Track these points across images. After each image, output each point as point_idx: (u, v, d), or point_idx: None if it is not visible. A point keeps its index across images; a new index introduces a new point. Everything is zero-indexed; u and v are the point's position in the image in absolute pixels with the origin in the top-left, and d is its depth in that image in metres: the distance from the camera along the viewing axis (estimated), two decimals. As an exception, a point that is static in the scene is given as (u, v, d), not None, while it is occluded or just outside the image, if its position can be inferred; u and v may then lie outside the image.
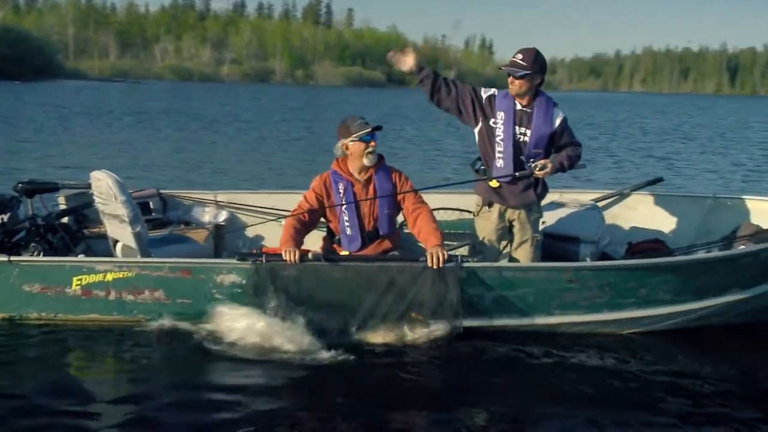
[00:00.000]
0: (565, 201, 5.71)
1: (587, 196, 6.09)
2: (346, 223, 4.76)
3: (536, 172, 4.72)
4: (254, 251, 5.25)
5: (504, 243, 5.05)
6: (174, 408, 3.79)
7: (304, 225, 4.72)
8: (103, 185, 4.84)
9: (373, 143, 4.71)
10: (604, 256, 5.44)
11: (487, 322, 4.69)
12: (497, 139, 4.77)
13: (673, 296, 4.67)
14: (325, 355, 4.33)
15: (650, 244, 5.63)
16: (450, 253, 4.60)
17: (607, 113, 43.32)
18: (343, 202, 4.74)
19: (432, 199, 5.10)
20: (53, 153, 15.07)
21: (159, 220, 6.04)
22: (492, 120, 4.78)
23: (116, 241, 5.13)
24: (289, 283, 4.49)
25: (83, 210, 5.76)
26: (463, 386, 4.18)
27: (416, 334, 4.58)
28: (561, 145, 4.83)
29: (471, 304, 4.59)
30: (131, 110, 30.53)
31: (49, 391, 3.96)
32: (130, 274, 4.63)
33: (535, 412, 3.91)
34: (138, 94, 49.11)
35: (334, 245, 4.88)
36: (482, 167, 4.95)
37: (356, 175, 4.79)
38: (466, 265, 4.50)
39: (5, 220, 5.07)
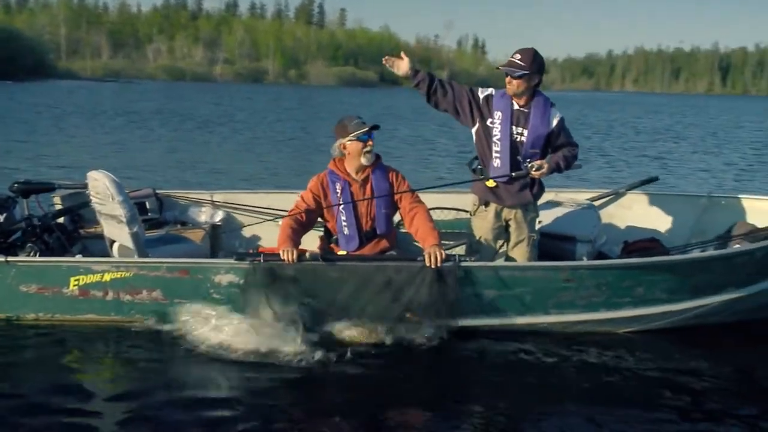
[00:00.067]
0: (561, 200, 5.72)
1: (583, 196, 6.11)
2: (344, 223, 4.76)
3: (532, 173, 4.73)
4: (251, 251, 5.25)
5: (501, 242, 5.06)
6: (172, 408, 3.79)
7: (301, 225, 4.72)
8: (100, 185, 4.82)
9: (370, 142, 4.71)
10: (600, 255, 5.46)
11: (484, 321, 4.70)
12: (494, 138, 4.78)
13: (670, 295, 4.69)
14: (323, 354, 4.33)
15: (646, 243, 5.66)
16: (447, 252, 4.60)
17: (599, 113, 43.42)
18: (341, 202, 4.74)
19: (428, 198, 5.11)
20: (47, 153, 15.01)
21: (155, 220, 6.04)
22: (489, 120, 4.79)
23: (113, 241, 5.12)
24: (286, 283, 4.49)
25: (79, 210, 5.75)
26: (460, 385, 4.19)
27: (414, 333, 4.58)
28: (558, 145, 4.84)
29: (469, 304, 4.60)
30: (124, 110, 30.45)
31: (46, 392, 3.95)
32: (127, 275, 4.62)
33: (532, 411, 3.92)
34: (131, 94, 48.98)
35: (332, 245, 4.89)
36: (479, 167, 4.96)
37: (353, 174, 4.80)
38: (464, 264, 4.51)
39: (1, 220, 5.06)
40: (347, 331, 4.57)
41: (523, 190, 4.87)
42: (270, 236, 5.76)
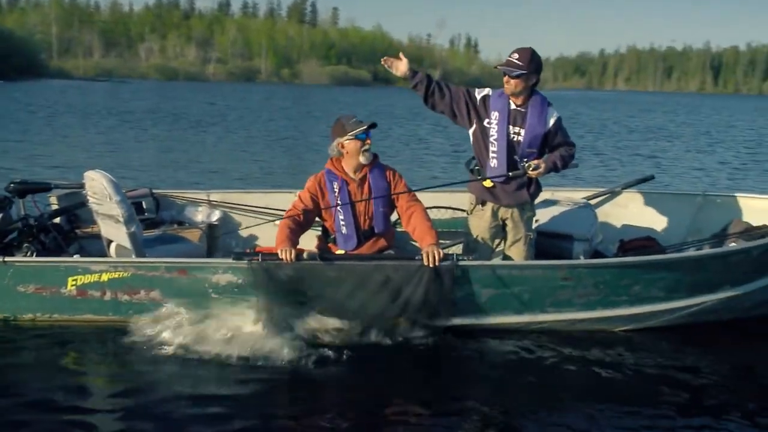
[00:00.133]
0: (557, 199, 5.74)
1: (579, 195, 6.13)
2: (342, 222, 4.76)
3: (529, 172, 4.74)
4: (248, 251, 5.25)
5: (497, 241, 5.07)
6: (170, 409, 3.79)
7: (299, 225, 4.72)
8: (97, 185, 4.81)
9: (368, 141, 4.72)
10: (596, 254, 5.47)
11: (482, 320, 4.72)
12: (491, 138, 4.79)
13: (667, 293, 4.71)
14: (321, 354, 4.35)
15: (642, 241, 5.68)
16: (445, 251, 4.61)
17: (592, 111, 43.49)
18: (339, 202, 4.74)
19: (425, 197, 5.11)
20: (41, 153, 14.95)
21: (152, 219, 6.03)
22: (486, 120, 4.80)
23: (110, 241, 5.11)
24: (285, 282, 4.49)
25: (75, 210, 5.73)
26: (457, 384, 4.21)
27: (412, 332, 4.60)
28: (555, 144, 4.85)
29: (467, 303, 4.61)
30: (117, 110, 30.34)
31: (44, 392, 3.95)
32: (125, 274, 4.61)
33: (530, 409, 3.93)
34: (123, 93, 48.79)
35: (330, 244, 4.89)
36: (476, 167, 4.97)
37: (351, 174, 4.80)
38: (462, 263, 4.52)
39: (-3, 220, 5.05)
40: (345, 330, 4.58)
41: (520, 189, 4.88)
42: (267, 236, 5.76)
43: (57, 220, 5.65)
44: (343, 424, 3.73)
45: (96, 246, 5.43)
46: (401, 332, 4.60)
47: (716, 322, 4.94)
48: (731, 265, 4.73)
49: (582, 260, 5.03)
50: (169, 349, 4.38)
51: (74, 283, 4.63)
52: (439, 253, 4.47)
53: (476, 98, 4.83)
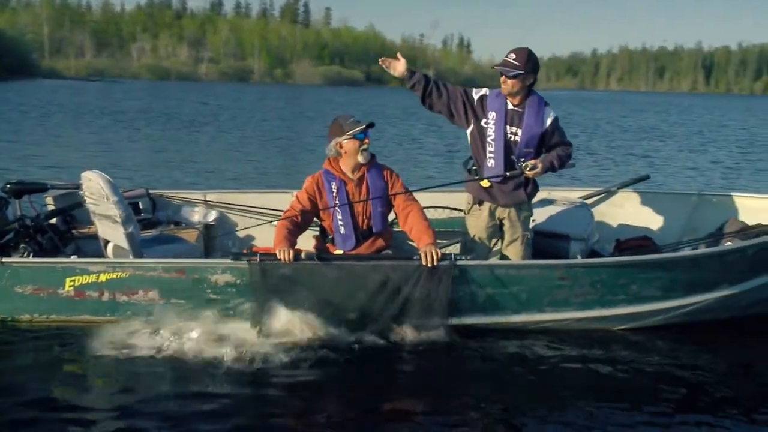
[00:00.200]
0: (554, 199, 5.76)
1: (574, 194, 6.15)
2: (340, 222, 4.77)
3: (526, 172, 4.75)
4: (245, 251, 5.25)
5: (495, 241, 5.09)
6: (169, 409, 3.79)
7: (297, 225, 4.72)
8: (94, 185, 4.80)
9: (366, 140, 4.73)
10: (592, 254, 5.49)
11: (480, 319, 4.72)
12: (488, 138, 4.80)
13: (664, 293, 4.73)
14: (320, 354, 4.35)
15: (638, 241, 5.69)
16: (443, 251, 4.61)
17: (585, 111, 43.60)
18: (337, 202, 4.74)
19: (422, 197, 5.11)
20: (34, 153, 14.90)
21: (148, 220, 6.02)
22: (483, 120, 4.81)
23: (107, 242, 5.09)
24: (283, 282, 4.49)
25: (72, 210, 5.73)
26: (455, 383, 4.21)
27: (409, 332, 4.60)
28: (552, 144, 4.86)
29: (464, 302, 4.62)
30: (110, 109, 30.28)
31: (42, 393, 3.94)
32: (123, 275, 4.60)
33: (527, 408, 3.94)
34: (115, 93, 48.69)
35: (328, 244, 4.89)
36: (474, 167, 4.98)
37: (349, 174, 4.80)
38: (460, 263, 4.53)
39: (-6, 221, 5.03)
40: (344, 330, 4.58)
41: (517, 189, 4.89)
42: (264, 236, 5.76)
43: (53, 220, 5.64)
44: (341, 424, 3.73)
45: (93, 246, 5.42)
46: (399, 332, 4.60)
47: (713, 321, 4.96)
48: (727, 264, 4.75)
49: (579, 260, 5.05)
50: (167, 350, 4.37)
51: (72, 283, 4.62)
52: (437, 253, 4.48)
53: (473, 98, 4.84)
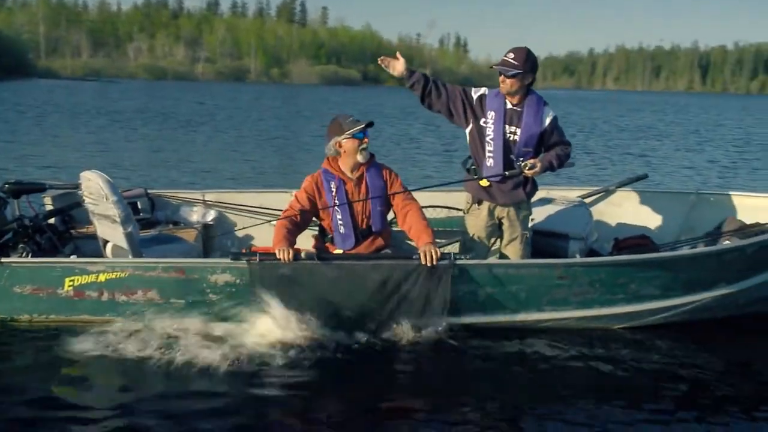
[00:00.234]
0: (553, 198, 5.77)
1: (573, 193, 6.16)
2: (340, 222, 4.77)
3: (525, 171, 4.76)
4: (244, 250, 5.25)
5: (494, 240, 5.10)
6: (168, 409, 3.78)
7: (296, 225, 4.72)
8: (93, 185, 4.80)
9: (366, 139, 4.73)
10: (591, 253, 5.50)
11: (479, 318, 4.73)
12: (487, 138, 4.81)
13: (662, 291, 4.74)
14: (320, 354, 4.36)
15: (637, 240, 5.70)
16: (441, 251, 4.62)
17: (582, 111, 43.63)
18: (336, 201, 4.75)
19: (420, 196, 5.12)
20: (31, 153, 14.88)
21: (147, 220, 6.02)
22: (483, 120, 4.82)
23: (106, 242, 5.09)
24: (283, 282, 4.49)
25: (70, 210, 5.72)
26: (455, 382, 4.22)
27: (409, 331, 4.61)
28: (551, 144, 4.87)
29: (464, 301, 4.63)
30: (106, 109, 30.24)
31: (41, 393, 3.93)
32: (123, 275, 4.60)
33: (528, 407, 3.95)
34: (112, 93, 48.63)
35: (327, 244, 4.89)
36: (473, 166, 4.99)
37: (348, 173, 4.80)
38: (459, 262, 4.53)
39: (-8, 221, 5.03)
40: (343, 329, 4.58)
41: (516, 188, 4.90)
42: (263, 235, 5.76)
43: (52, 220, 5.63)
44: (340, 424, 3.73)
45: (91, 246, 5.42)
46: (398, 331, 4.61)
47: (711, 320, 4.97)
48: (726, 263, 4.76)
49: (578, 259, 5.05)
50: (166, 350, 4.37)
51: (71, 283, 4.61)
52: (436, 252, 4.49)
53: (473, 98, 4.84)
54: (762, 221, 5.38)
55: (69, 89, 51.11)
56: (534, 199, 5.21)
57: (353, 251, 4.77)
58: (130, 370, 4.22)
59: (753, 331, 5.06)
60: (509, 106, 4.78)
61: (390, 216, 5.04)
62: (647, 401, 4.00)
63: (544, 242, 5.31)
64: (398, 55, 4.85)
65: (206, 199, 6.29)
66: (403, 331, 4.59)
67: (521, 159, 4.78)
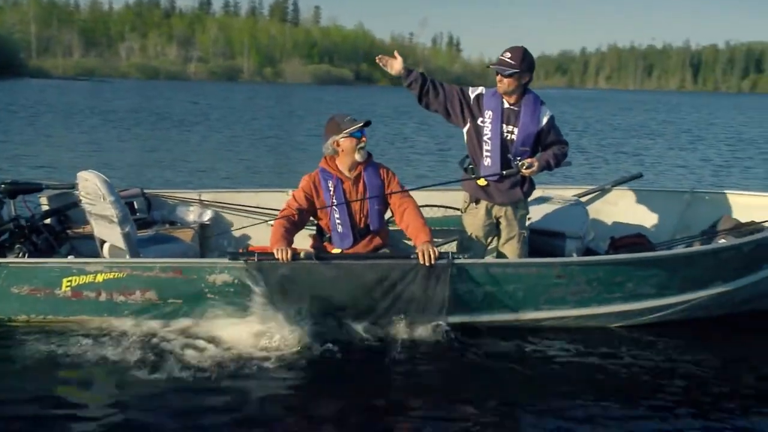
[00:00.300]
0: (550, 196, 5.78)
1: (569, 192, 6.18)
2: (338, 221, 4.77)
3: (523, 171, 4.77)
4: (241, 250, 5.25)
5: (491, 239, 5.11)
6: (168, 409, 3.79)
7: (293, 224, 4.72)
8: (90, 185, 4.79)
9: (364, 138, 4.74)
10: (588, 251, 5.52)
11: (477, 317, 4.75)
12: (485, 137, 4.82)
13: (659, 290, 4.76)
14: (317, 353, 4.36)
15: (633, 238, 5.72)
16: (439, 250, 4.63)
17: (574, 110, 43.69)
18: (334, 200, 4.75)
19: (417, 196, 5.13)
20: (24, 153, 14.82)
21: (144, 220, 6.01)
22: (480, 119, 4.83)
23: (103, 242, 5.08)
24: (281, 281, 4.49)
25: (67, 210, 5.71)
26: (453, 381, 4.22)
27: (407, 330, 4.62)
28: (548, 143, 4.89)
29: (462, 300, 4.64)
30: (99, 109, 30.13)
31: (39, 394, 3.93)
32: (120, 275, 4.59)
33: (526, 405, 3.96)
34: (105, 92, 48.45)
35: (325, 243, 4.89)
36: (470, 166, 5.00)
37: (346, 172, 4.81)
38: (457, 261, 4.54)
39: (-12, 221, 5.02)
40: (342, 329, 4.59)
41: (514, 187, 4.91)
42: (259, 235, 5.77)
43: (48, 220, 5.62)
44: (338, 424, 3.73)
45: (88, 246, 5.41)
46: (397, 331, 4.62)
47: (707, 318, 5.00)
48: (722, 262, 4.79)
49: (575, 258, 5.07)
50: (165, 350, 4.37)
51: (69, 284, 4.60)
52: (434, 251, 4.49)
53: (470, 97, 4.86)
54: (757, 219, 5.41)
55: (61, 89, 50.90)
56: (531, 198, 5.23)
57: (351, 250, 4.77)
58: (127, 370, 4.21)
59: (749, 329, 5.09)
60: (506, 105, 4.80)
61: (387, 215, 5.05)
62: (644, 399, 4.02)
63: (541, 241, 5.33)
64: (396, 53, 4.87)
65: (203, 198, 6.29)
66: (401, 330, 4.61)
67: (518, 158, 4.79)
